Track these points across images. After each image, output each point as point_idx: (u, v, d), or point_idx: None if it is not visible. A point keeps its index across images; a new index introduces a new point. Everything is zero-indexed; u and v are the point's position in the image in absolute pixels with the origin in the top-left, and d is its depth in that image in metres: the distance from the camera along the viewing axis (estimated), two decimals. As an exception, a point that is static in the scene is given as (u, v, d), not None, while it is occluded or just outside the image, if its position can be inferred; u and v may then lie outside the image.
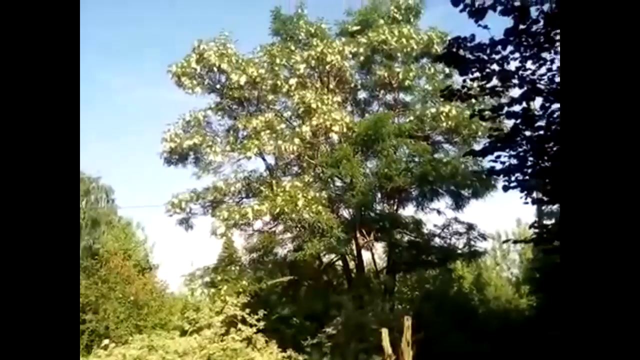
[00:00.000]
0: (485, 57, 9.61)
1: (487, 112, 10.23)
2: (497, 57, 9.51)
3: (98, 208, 37.07)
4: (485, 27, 7.99)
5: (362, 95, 18.22)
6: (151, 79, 51.99)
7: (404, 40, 15.67)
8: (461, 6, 7.69)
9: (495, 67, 9.61)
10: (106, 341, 13.69)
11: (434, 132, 17.03)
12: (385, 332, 6.71)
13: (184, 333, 14.52)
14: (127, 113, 50.52)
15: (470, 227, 16.72)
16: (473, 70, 9.66)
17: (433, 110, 15.53)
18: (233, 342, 13.87)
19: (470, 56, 9.60)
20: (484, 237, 16.95)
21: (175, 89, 15.83)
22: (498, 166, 9.94)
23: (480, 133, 16.26)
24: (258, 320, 14.35)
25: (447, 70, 16.56)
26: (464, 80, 9.61)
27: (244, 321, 14.27)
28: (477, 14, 7.87)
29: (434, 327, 12.27)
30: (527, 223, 28.51)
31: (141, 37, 46.44)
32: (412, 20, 17.27)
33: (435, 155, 16.34)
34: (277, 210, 13.99)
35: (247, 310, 14.45)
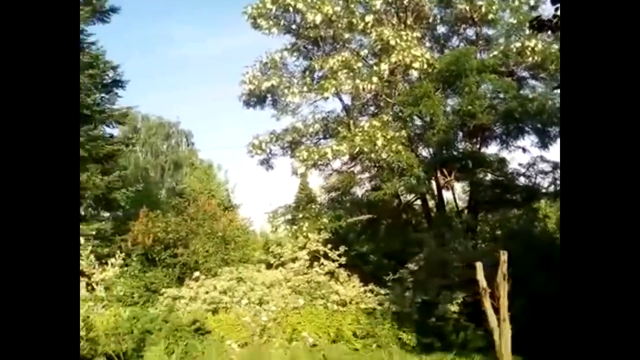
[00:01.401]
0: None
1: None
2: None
3: (179, 151, 38.78)
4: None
5: (441, 30, 17.58)
6: (223, 26, 52.59)
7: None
8: None
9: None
10: (197, 273, 14.66)
11: (519, 67, 16.30)
12: (479, 265, 6.76)
13: (269, 266, 15.28)
14: (202, 61, 51.68)
15: (556, 165, 16.13)
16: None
17: (518, 44, 14.78)
18: (317, 275, 14.46)
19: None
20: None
21: (250, 31, 15.83)
22: None
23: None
24: (339, 255, 14.83)
25: (532, 1, 15.64)
26: (556, 10, 9.09)
27: (325, 256, 14.80)
28: None
29: (519, 266, 12.07)
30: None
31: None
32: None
33: (521, 92, 15.69)
34: (356, 149, 14.04)
35: (329, 246, 14.94)
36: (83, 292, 9.51)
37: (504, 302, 6.56)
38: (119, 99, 18.49)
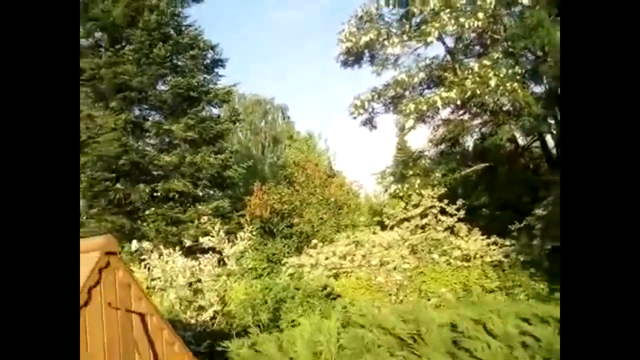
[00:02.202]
0: None
1: None
2: None
3: (276, 126, 39.32)
4: None
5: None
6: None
7: None
8: None
9: None
10: (314, 241, 14.59)
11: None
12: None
13: (384, 228, 14.87)
14: (285, 29, 51.64)
15: None
16: None
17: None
18: (435, 232, 13.87)
19: None
20: None
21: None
22: None
23: None
24: (457, 209, 14.10)
25: None
26: None
27: (442, 211, 14.12)
28: None
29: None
30: None
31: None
32: None
33: None
34: (468, 94, 13.09)
35: (446, 202, 14.24)
36: (217, 268, 9.64)
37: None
38: (220, 78, 18.65)
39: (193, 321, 8.89)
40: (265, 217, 15.37)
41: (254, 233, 13.42)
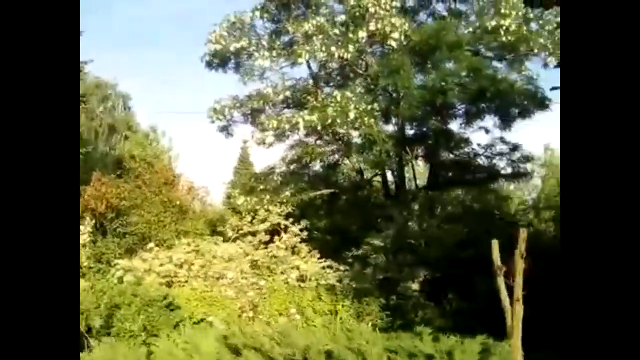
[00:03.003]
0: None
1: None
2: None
3: (115, 115, 36.70)
4: None
5: (409, 3, 17.17)
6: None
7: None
8: None
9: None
10: (151, 244, 13.75)
11: (486, 47, 16.25)
12: (495, 243, 6.43)
13: (227, 239, 14.59)
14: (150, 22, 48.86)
15: (515, 147, 16.36)
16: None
17: (493, 23, 14.65)
18: (277, 250, 13.96)
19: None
20: (527, 159, 16.65)
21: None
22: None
23: (536, 50, 15.55)
24: (301, 230, 14.38)
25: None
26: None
27: (286, 230, 14.29)
28: None
29: (483, 245, 12.10)
30: (554, 149, 28.23)
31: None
32: None
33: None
34: (329, 121, 13.51)
35: (290, 220, 14.44)
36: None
37: (518, 282, 6.27)
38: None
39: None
40: (100, 211, 14.11)
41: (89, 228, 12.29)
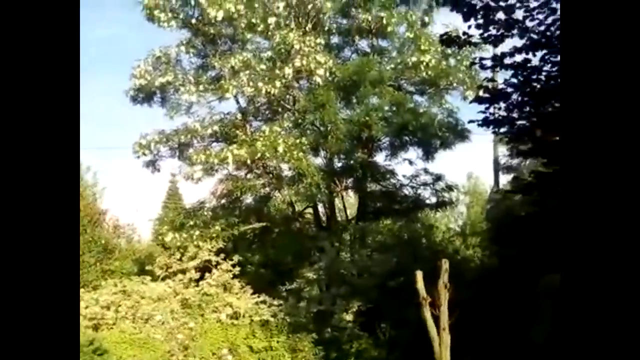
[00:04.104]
0: (492, 4, 9.62)
1: (486, 61, 10.34)
2: (504, 4, 9.54)
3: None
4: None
5: (334, 40, 17.72)
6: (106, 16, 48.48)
7: (387, -18, 15.26)
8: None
9: (501, 15, 9.65)
10: (74, 286, 13.14)
11: (408, 82, 16.97)
12: (419, 273, 6.69)
13: (155, 278, 14.16)
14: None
15: (438, 177, 17.00)
16: (477, 17, 9.70)
17: (414, 59, 15.35)
18: (209, 287, 13.70)
19: (478, 2, 9.64)
20: (450, 188, 17.31)
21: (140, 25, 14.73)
22: (479, 116, 10.12)
23: (455, 85, 16.40)
24: (233, 265, 14.19)
25: (426, 18, 16.39)
26: (469, 27, 9.66)
27: (217, 266, 14.06)
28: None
29: (412, 274, 12.46)
30: (477, 177, 29.57)
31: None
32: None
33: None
34: (258, 155, 13.59)
35: (222, 256, 14.23)
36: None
37: (444, 311, 6.54)
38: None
39: None
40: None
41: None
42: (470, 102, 10.03)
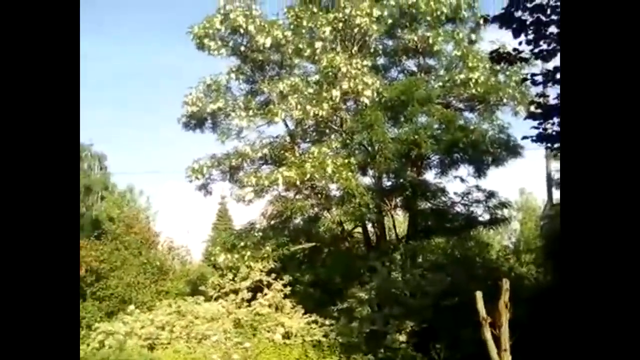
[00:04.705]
0: (544, 19, 9.48)
1: (538, 77, 10.18)
2: (556, 17, 9.38)
3: (91, 175, 36.53)
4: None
5: (380, 61, 17.84)
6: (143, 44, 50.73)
7: (432, 3, 15.29)
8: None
9: (552, 29, 9.50)
10: (131, 307, 13.54)
11: (457, 99, 16.85)
12: (479, 294, 6.59)
13: (209, 299, 14.43)
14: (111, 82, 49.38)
15: (491, 194, 16.68)
16: (528, 32, 9.57)
17: (462, 76, 15.27)
18: (261, 307, 13.86)
19: (528, 17, 9.52)
20: (504, 205, 16.94)
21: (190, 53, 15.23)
22: (532, 132, 9.91)
23: (505, 100, 16.18)
24: (284, 285, 14.33)
25: (473, 36, 16.33)
26: (519, 43, 9.53)
27: (269, 286, 14.22)
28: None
29: (464, 294, 12.24)
30: (530, 193, 28.87)
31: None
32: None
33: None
34: (307, 176, 13.74)
35: (273, 276, 14.39)
36: None
37: (505, 332, 6.40)
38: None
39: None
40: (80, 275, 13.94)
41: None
42: (525, 118, 9.87)
